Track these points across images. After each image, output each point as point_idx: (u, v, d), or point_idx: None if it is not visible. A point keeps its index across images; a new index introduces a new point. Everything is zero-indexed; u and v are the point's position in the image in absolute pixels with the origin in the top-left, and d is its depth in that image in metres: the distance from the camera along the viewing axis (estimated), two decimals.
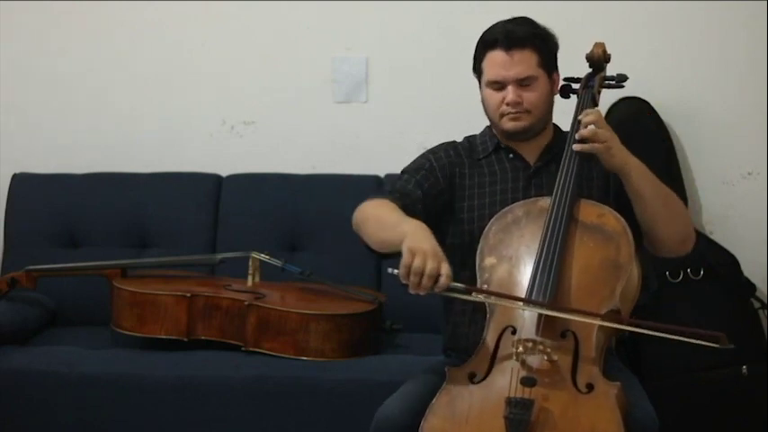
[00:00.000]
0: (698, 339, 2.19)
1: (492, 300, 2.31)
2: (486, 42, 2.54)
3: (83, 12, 3.67)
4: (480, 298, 2.32)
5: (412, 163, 2.65)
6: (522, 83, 2.50)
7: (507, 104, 2.51)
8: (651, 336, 2.26)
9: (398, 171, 3.34)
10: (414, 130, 3.55)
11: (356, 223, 2.52)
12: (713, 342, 2.18)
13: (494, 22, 2.57)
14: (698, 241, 3.28)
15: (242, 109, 3.67)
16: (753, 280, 3.32)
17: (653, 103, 3.43)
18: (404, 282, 2.23)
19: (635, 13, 3.47)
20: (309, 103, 3.63)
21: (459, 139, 2.71)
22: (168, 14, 3.66)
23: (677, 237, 2.50)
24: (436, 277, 2.21)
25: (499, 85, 2.52)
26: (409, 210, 2.48)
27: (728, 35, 3.47)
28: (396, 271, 2.23)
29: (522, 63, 2.49)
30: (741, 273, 3.31)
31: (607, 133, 2.42)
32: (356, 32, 3.61)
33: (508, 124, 2.54)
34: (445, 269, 2.22)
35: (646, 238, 2.48)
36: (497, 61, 2.51)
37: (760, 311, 3.33)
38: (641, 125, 3.40)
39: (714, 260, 3.27)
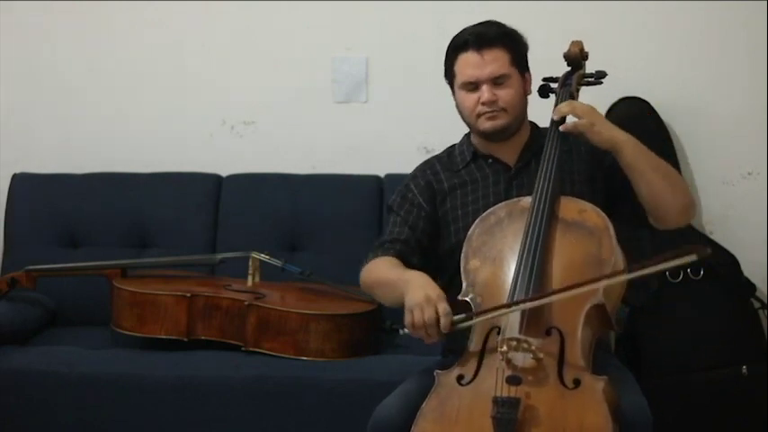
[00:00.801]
0: (675, 260, 2.14)
1: (489, 315, 2.28)
2: (457, 45, 2.55)
3: (83, 12, 3.67)
4: (483, 317, 2.29)
5: (396, 196, 2.67)
6: (496, 81, 2.51)
7: (483, 104, 2.51)
8: (636, 277, 2.22)
9: (398, 171, 3.38)
10: (414, 130, 3.56)
11: (365, 289, 2.61)
12: (689, 256, 2.13)
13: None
14: (698, 241, 3.32)
15: (242, 109, 3.66)
16: (753, 280, 3.32)
17: (653, 103, 3.43)
18: (417, 337, 2.30)
19: (635, 13, 3.47)
20: (309, 103, 3.63)
21: (454, 140, 2.72)
22: (168, 14, 3.66)
23: (679, 206, 2.49)
24: (437, 322, 2.25)
25: (473, 86, 2.52)
26: (407, 253, 2.56)
27: (728, 35, 3.47)
28: (406, 330, 2.31)
29: (494, 62, 2.50)
30: (741, 273, 3.30)
31: (586, 108, 2.45)
32: (356, 32, 3.61)
33: (486, 124, 2.54)
34: (441, 309, 2.26)
35: (650, 214, 2.48)
36: (470, 62, 2.51)
37: (760, 311, 3.33)
38: (641, 125, 3.39)
39: (714, 260, 3.26)
